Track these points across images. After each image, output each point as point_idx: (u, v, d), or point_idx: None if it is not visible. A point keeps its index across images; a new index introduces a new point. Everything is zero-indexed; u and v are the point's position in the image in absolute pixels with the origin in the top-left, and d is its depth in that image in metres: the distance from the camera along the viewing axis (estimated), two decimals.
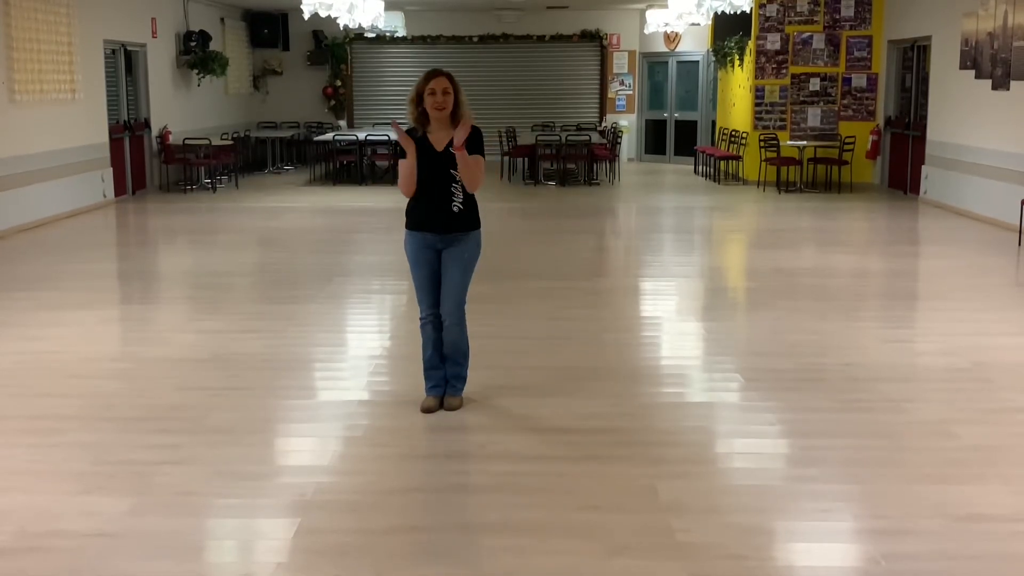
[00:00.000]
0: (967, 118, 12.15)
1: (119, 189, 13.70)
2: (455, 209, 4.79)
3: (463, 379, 5.01)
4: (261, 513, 3.89)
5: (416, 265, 4.88)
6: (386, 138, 15.71)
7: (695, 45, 18.94)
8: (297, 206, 13.38)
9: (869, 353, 6.13)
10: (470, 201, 4.85)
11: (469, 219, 4.85)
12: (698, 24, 15.42)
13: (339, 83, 19.73)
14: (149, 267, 9.65)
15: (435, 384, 4.98)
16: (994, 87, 11.41)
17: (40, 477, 4.18)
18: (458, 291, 4.86)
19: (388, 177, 16.33)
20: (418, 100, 4.75)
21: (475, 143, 4.75)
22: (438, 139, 4.78)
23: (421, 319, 4.93)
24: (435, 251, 4.85)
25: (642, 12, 18.49)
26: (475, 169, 4.75)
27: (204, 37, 16.09)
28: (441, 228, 4.80)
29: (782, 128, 15.38)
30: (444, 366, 4.97)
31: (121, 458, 4.39)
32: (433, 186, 4.78)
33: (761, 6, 15.19)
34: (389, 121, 20.07)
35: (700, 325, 7.01)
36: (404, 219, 4.91)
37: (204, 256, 10.08)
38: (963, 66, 12.21)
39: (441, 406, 4.93)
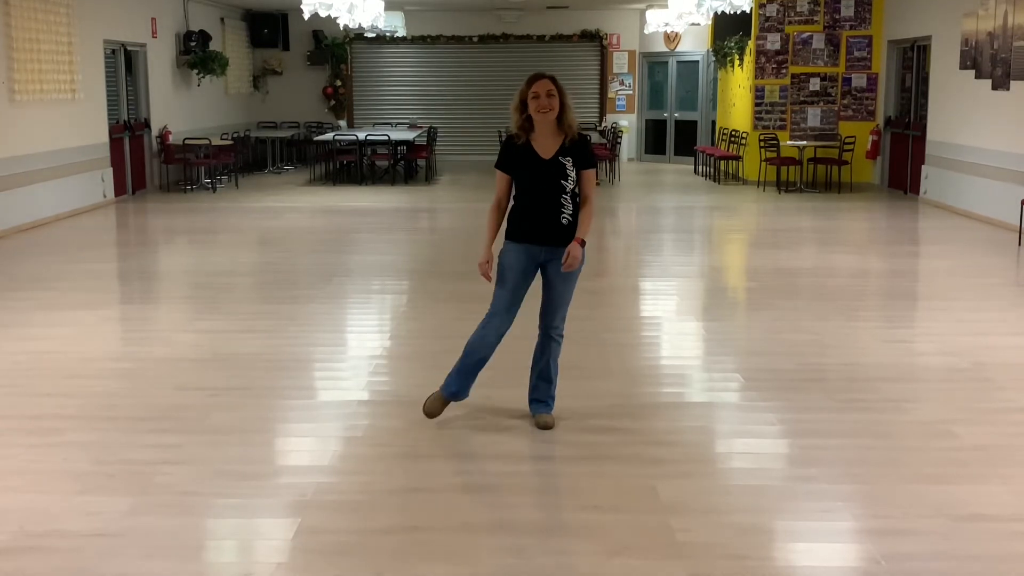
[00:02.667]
0: (967, 118, 12.15)
1: (119, 189, 13.70)
2: (564, 221, 4.54)
3: (554, 396, 4.81)
4: (261, 513, 3.89)
5: (512, 275, 4.59)
6: (386, 138, 15.72)
7: (695, 45, 18.94)
8: (297, 206, 13.38)
9: (869, 353, 6.13)
10: (577, 211, 4.59)
11: (576, 231, 4.59)
12: (698, 24, 15.43)
13: (339, 83, 19.73)
14: (149, 267, 9.65)
15: (458, 391, 4.76)
16: (994, 87, 11.41)
17: (40, 477, 4.18)
18: (566, 305, 4.68)
19: (388, 177, 16.35)
20: (521, 107, 4.51)
21: (586, 156, 4.56)
22: (543, 146, 4.53)
23: (492, 327, 4.63)
24: (537, 265, 4.62)
25: (642, 12, 18.49)
26: (592, 210, 4.59)
27: (204, 37, 16.09)
28: (549, 241, 4.55)
29: (782, 128, 15.38)
30: (472, 380, 4.75)
31: (121, 458, 4.39)
32: (540, 197, 4.53)
33: (761, 6, 15.19)
34: (389, 121, 20.07)
35: (700, 325, 7.01)
36: (505, 228, 4.65)
37: (204, 256, 10.08)
38: (963, 66, 12.21)
39: (440, 413, 4.81)
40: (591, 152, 4.64)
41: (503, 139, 4.66)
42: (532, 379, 4.82)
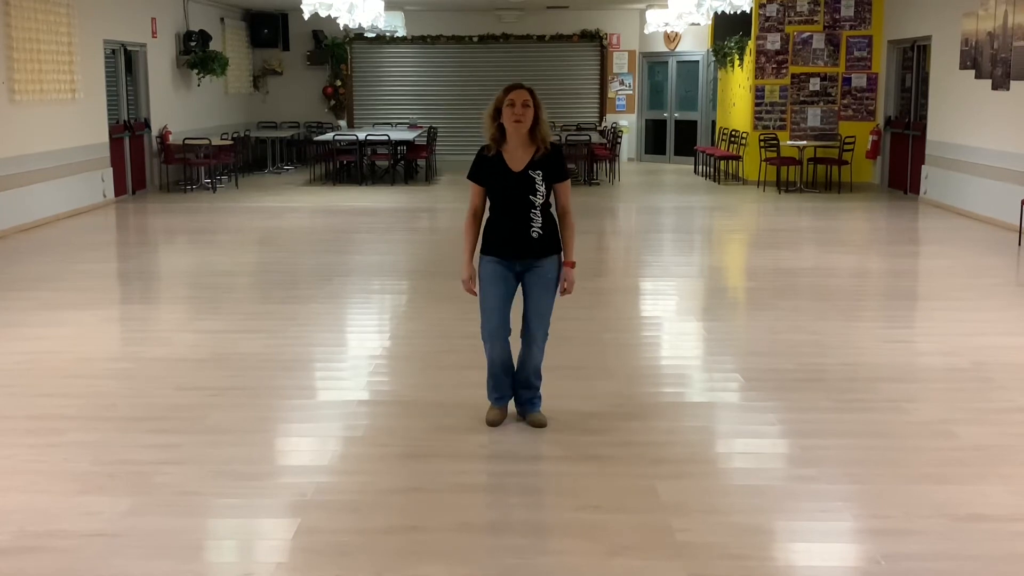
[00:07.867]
0: (967, 118, 12.15)
1: (119, 189, 13.71)
2: (534, 235, 4.52)
3: (540, 395, 4.80)
4: (261, 513, 3.89)
5: (493, 286, 4.59)
6: (386, 138, 15.72)
7: (695, 45, 18.94)
8: (297, 206, 13.38)
9: (869, 353, 6.13)
10: (550, 224, 4.58)
11: (550, 243, 4.58)
12: (698, 24, 15.42)
13: (339, 83, 19.73)
14: (149, 267, 9.65)
15: (501, 396, 4.78)
16: (994, 87, 11.41)
17: (40, 477, 4.18)
18: (548, 313, 4.63)
19: (388, 177, 16.35)
20: (495, 115, 4.49)
21: (560, 169, 4.55)
22: (515, 158, 4.51)
23: (488, 336, 4.64)
24: (515, 274, 4.60)
25: (642, 12, 18.50)
26: (573, 223, 4.60)
27: (204, 37, 16.09)
28: (522, 255, 4.55)
29: (782, 128, 15.38)
30: (509, 380, 4.77)
31: (121, 458, 4.39)
32: (510, 210, 4.52)
33: (761, 6, 15.19)
34: (389, 121, 20.06)
35: (700, 325, 7.01)
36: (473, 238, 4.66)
37: (204, 256, 10.08)
38: (963, 66, 12.21)
39: (502, 420, 4.79)
40: (564, 164, 4.61)
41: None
42: (515, 386, 4.78)
